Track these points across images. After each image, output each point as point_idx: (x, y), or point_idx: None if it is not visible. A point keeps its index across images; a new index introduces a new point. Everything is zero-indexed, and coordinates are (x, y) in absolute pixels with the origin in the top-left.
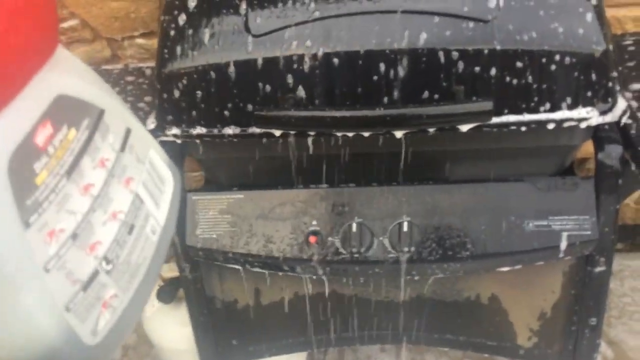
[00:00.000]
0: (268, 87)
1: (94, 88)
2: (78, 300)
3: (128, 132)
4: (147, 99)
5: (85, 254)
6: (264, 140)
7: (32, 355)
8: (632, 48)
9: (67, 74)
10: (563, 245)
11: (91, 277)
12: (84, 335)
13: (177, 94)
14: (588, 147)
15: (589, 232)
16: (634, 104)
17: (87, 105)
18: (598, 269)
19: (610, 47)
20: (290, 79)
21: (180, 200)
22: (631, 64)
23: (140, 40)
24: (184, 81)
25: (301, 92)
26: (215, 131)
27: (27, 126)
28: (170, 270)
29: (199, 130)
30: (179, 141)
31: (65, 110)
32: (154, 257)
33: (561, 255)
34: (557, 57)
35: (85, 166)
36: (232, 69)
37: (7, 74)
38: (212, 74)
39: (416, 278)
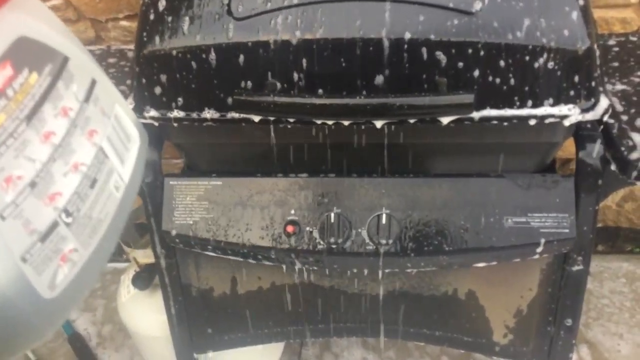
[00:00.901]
0: (248, 72)
1: (59, 34)
2: (35, 251)
3: (93, 83)
4: (129, 82)
5: (44, 204)
6: (243, 126)
7: None
8: (616, 49)
9: (31, 17)
10: (541, 242)
11: (50, 229)
12: (40, 288)
13: (155, 76)
14: (571, 148)
15: (567, 231)
16: (618, 104)
17: (51, 50)
18: (575, 268)
19: (595, 45)
20: (270, 64)
21: (158, 185)
22: (615, 64)
23: (124, 23)
24: (164, 64)
25: (281, 77)
26: (194, 115)
27: None
28: (147, 256)
29: (177, 113)
30: (156, 124)
31: (27, 53)
32: (116, 214)
33: (539, 252)
34: (541, 53)
35: (47, 113)
36: (212, 52)
37: None
38: (192, 57)
39: (392, 271)
